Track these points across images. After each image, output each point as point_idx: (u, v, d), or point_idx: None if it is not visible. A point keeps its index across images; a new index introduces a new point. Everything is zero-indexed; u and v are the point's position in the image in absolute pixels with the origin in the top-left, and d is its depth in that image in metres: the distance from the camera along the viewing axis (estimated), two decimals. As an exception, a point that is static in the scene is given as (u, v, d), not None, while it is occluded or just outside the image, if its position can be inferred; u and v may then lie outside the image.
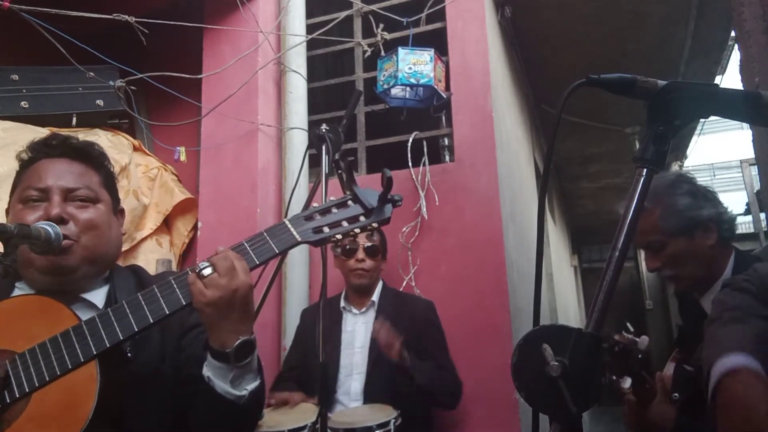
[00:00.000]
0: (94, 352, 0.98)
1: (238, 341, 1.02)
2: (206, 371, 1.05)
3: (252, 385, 1.07)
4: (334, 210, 1.09)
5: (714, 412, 0.96)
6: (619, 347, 1.24)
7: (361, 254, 2.30)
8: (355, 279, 2.31)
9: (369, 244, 2.31)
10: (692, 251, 1.52)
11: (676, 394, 1.42)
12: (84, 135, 2.53)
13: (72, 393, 0.96)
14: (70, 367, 0.97)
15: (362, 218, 1.09)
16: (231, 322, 1.02)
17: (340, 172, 1.13)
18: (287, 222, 1.08)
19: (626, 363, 1.25)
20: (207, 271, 1.00)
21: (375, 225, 1.09)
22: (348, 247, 2.30)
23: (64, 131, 2.42)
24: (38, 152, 1.19)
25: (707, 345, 1.07)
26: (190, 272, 1.03)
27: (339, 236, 1.08)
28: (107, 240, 1.18)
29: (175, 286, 1.03)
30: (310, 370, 2.17)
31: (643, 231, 1.56)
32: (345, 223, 1.08)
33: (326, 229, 1.07)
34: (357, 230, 1.08)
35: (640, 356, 1.23)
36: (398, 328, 2.21)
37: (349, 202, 1.10)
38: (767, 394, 0.90)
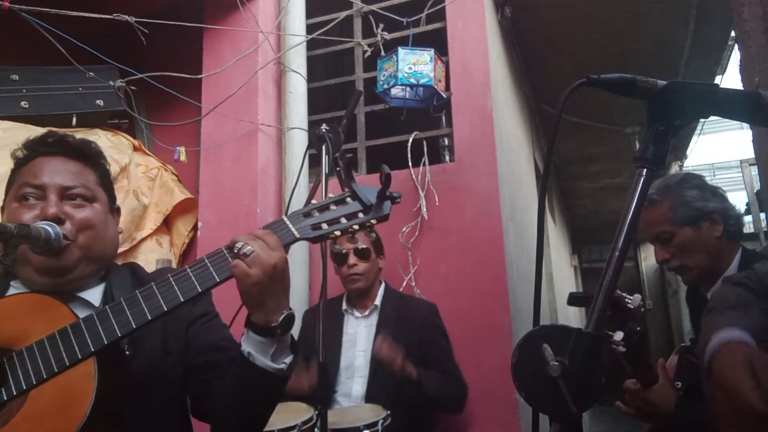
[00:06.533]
0: (92, 350, 0.97)
1: (283, 315, 1.04)
2: (246, 347, 1.05)
3: (288, 359, 1.09)
4: (333, 207, 1.09)
5: (709, 386, 0.95)
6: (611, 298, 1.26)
7: (352, 259, 2.27)
8: (350, 284, 2.30)
9: (361, 246, 2.28)
10: (699, 241, 1.58)
11: (679, 383, 1.44)
12: (84, 135, 2.51)
13: (69, 391, 0.96)
14: (67, 364, 0.96)
15: (361, 215, 1.08)
16: (274, 297, 1.03)
17: (338, 169, 1.13)
18: (285, 219, 1.08)
19: (619, 317, 1.27)
20: (248, 249, 1.00)
21: (374, 222, 1.09)
22: (340, 252, 2.26)
23: (64, 131, 2.42)
24: (34, 150, 1.17)
25: (704, 331, 1.07)
26: (227, 254, 1.02)
27: (338, 233, 1.07)
28: (104, 239, 1.17)
29: (172, 282, 1.02)
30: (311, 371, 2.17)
31: (653, 223, 1.63)
32: (343, 220, 1.07)
33: (324, 226, 1.07)
34: (356, 227, 1.08)
35: (632, 308, 1.25)
36: (400, 332, 2.21)
37: (348, 199, 1.09)
38: (763, 367, 0.89)
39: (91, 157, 1.22)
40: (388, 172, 1.07)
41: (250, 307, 1.05)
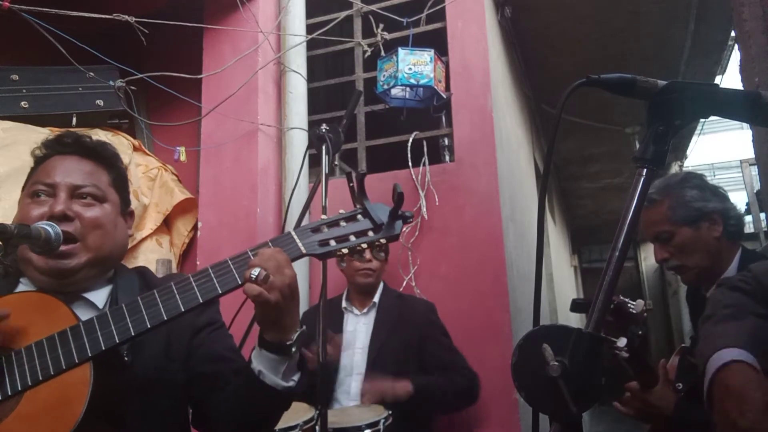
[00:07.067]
0: (89, 354, 0.97)
1: (297, 332, 1.05)
2: (257, 365, 1.05)
3: (296, 376, 1.09)
4: (343, 223, 1.08)
5: (710, 407, 0.96)
6: (614, 304, 1.26)
7: (368, 254, 2.31)
8: (361, 278, 2.32)
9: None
10: (698, 241, 1.58)
11: (680, 384, 1.44)
12: (84, 135, 2.53)
13: (63, 394, 0.96)
14: (64, 367, 0.96)
15: (371, 233, 1.07)
16: (290, 315, 1.04)
17: (351, 185, 1.10)
18: (293, 233, 1.07)
19: (621, 322, 1.27)
20: (264, 275, 0.98)
21: (383, 241, 1.08)
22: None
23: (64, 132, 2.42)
24: (51, 149, 1.19)
25: (702, 341, 1.07)
26: (232, 266, 1.02)
27: (345, 250, 1.07)
28: (112, 240, 1.17)
29: (175, 291, 1.01)
30: (312, 371, 2.17)
31: (653, 222, 1.62)
32: (352, 238, 1.07)
33: (333, 243, 1.06)
34: (364, 245, 1.07)
35: (634, 313, 1.26)
36: (401, 331, 2.23)
37: (359, 216, 1.08)
38: (762, 387, 0.90)
39: (106, 158, 1.23)
40: (400, 191, 1.05)
41: (267, 327, 1.05)
